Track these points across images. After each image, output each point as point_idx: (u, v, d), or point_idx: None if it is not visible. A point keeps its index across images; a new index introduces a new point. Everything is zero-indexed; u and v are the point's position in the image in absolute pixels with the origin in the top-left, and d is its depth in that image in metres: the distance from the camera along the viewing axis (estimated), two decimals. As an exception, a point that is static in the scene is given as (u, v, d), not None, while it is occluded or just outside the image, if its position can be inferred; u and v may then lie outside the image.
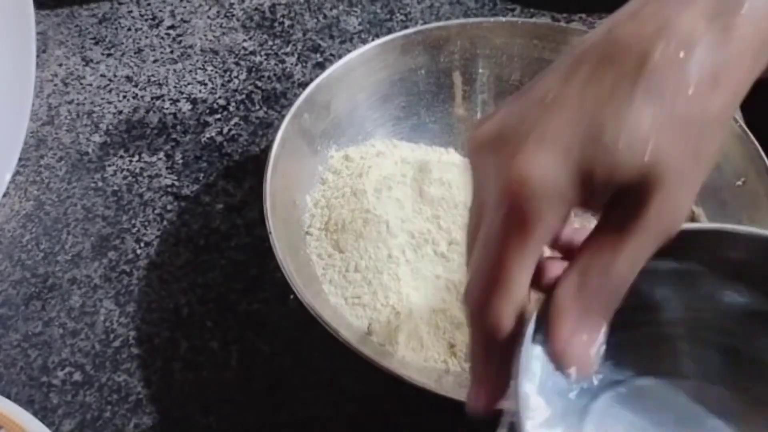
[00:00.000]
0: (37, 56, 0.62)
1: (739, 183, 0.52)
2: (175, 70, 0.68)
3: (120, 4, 0.74)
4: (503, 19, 0.65)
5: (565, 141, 0.27)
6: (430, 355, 0.48)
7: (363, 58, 0.58)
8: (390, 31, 0.70)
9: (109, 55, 0.70)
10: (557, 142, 0.27)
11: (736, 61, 0.28)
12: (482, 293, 0.28)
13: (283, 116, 0.54)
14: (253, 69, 0.69)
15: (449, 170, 0.56)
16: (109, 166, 0.62)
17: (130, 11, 0.73)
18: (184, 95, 0.67)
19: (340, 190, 0.56)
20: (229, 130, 0.64)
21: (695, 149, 0.27)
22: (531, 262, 0.28)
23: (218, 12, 0.73)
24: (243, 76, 0.68)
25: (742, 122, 0.53)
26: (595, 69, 0.27)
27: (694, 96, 0.27)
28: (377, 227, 0.52)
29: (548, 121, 0.27)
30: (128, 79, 0.68)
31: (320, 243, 0.53)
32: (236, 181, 0.60)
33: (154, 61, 0.69)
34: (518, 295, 0.28)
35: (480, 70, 0.61)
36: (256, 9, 0.74)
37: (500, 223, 0.27)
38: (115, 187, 0.60)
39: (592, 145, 0.26)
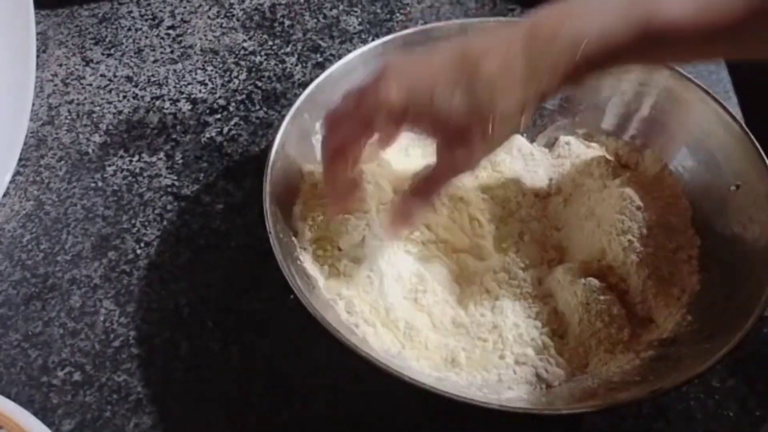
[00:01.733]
0: (37, 56, 0.62)
1: (733, 188, 0.52)
2: (175, 70, 0.68)
3: (120, 4, 0.74)
4: (503, 19, 0.65)
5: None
6: (429, 355, 0.48)
7: (363, 58, 0.58)
8: (390, 31, 0.70)
9: (109, 55, 0.70)
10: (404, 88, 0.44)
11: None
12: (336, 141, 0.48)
13: (283, 116, 0.54)
14: (253, 69, 0.69)
15: None
16: (109, 166, 0.62)
17: (130, 11, 0.73)
18: (184, 95, 0.67)
19: None
20: (229, 130, 0.64)
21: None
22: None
23: (218, 12, 0.73)
24: (243, 76, 0.68)
25: (742, 123, 0.53)
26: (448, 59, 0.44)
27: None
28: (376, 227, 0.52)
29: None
30: (128, 79, 0.68)
31: (319, 243, 0.53)
32: (236, 181, 0.60)
33: (154, 61, 0.69)
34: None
35: None
36: (256, 9, 0.74)
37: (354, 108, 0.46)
38: (115, 187, 0.60)
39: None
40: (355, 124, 0.46)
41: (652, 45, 0.43)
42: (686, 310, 0.49)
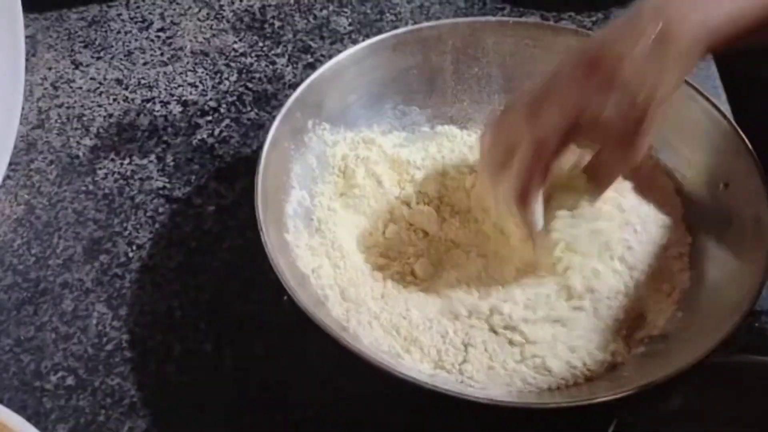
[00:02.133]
0: (27, 60, 0.62)
1: (722, 186, 0.52)
2: (165, 73, 0.68)
3: (109, 6, 0.73)
4: (494, 18, 0.65)
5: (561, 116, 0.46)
6: (421, 356, 0.48)
7: (354, 58, 0.58)
8: (380, 31, 0.70)
9: (98, 58, 0.69)
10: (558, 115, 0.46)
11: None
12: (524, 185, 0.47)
13: (274, 117, 0.54)
14: (244, 70, 0.68)
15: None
16: (100, 169, 0.61)
17: (120, 14, 0.73)
18: (175, 97, 0.66)
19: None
20: (221, 131, 0.64)
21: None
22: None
23: (208, 14, 0.73)
24: (233, 78, 0.68)
25: (731, 119, 0.54)
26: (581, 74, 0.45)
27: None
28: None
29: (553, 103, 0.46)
30: (118, 81, 0.68)
31: (311, 242, 0.53)
32: (228, 182, 0.60)
33: (144, 64, 0.69)
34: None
35: (474, 69, 0.61)
36: (246, 10, 0.74)
37: (531, 154, 0.46)
38: (107, 191, 0.60)
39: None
40: (532, 167, 0.46)
41: None
42: (677, 307, 0.49)
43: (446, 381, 0.47)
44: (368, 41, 0.59)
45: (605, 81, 0.43)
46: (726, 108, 0.61)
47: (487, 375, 0.47)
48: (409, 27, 0.61)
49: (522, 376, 0.47)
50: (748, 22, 0.43)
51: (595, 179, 0.49)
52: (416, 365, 0.48)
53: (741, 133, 0.52)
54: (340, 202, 0.56)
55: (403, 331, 0.49)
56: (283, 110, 0.54)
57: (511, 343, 0.48)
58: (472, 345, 0.48)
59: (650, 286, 0.50)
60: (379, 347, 0.48)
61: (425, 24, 0.62)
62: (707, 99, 0.54)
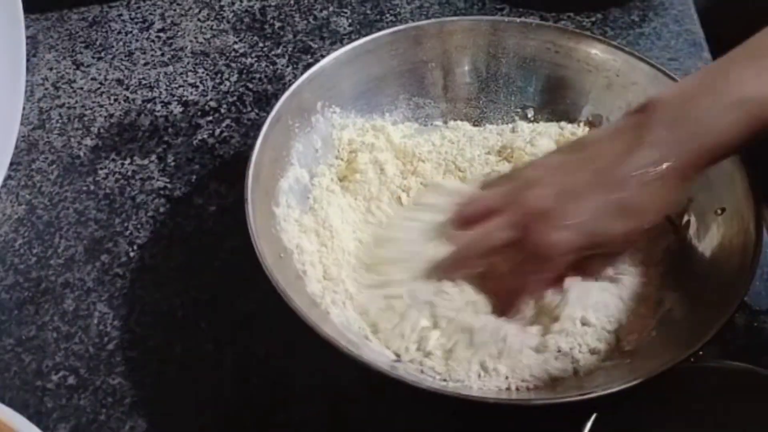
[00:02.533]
0: (27, 60, 0.62)
1: (718, 211, 0.52)
2: (166, 73, 0.68)
3: (110, 7, 0.74)
4: (517, 19, 0.65)
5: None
6: (386, 341, 0.49)
7: (373, 45, 0.58)
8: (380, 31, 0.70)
9: (99, 58, 0.70)
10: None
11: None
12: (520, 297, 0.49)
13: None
14: (244, 71, 0.69)
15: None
16: (101, 169, 0.62)
17: (120, 14, 0.73)
18: (176, 98, 0.67)
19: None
20: (221, 132, 0.64)
21: None
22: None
23: (208, 14, 0.73)
24: (234, 78, 0.68)
25: None
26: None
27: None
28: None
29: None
30: (119, 82, 0.68)
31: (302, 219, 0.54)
32: (228, 182, 0.61)
33: (145, 64, 0.69)
34: None
35: (493, 68, 0.61)
36: (246, 11, 0.74)
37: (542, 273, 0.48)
38: (108, 190, 0.60)
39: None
40: (541, 285, 0.48)
41: (763, 135, 0.45)
42: (653, 327, 0.49)
43: (406, 368, 0.47)
44: (390, 30, 0.60)
45: (611, 203, 0.45)
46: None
47: (448, 367, 0.47)
48: (432, 20, 0.62)
49: (479, 369, 0.47)
50: (735, 143, 0.45)
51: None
52: (382, 350, 0.48)
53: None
54: (340, 184, 0.56)
55: (372, 314, 0.49)
56: (292, 87, 0.55)
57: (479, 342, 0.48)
58: (442, 340, 0.48)
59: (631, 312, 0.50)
60: (349, 327, 0.48)
61: (447, 18, 0.62)
62: None
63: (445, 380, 0.47)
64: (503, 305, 0.48)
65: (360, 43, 0.59)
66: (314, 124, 0.57)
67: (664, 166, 0.45)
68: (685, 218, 0.53)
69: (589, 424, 0.41)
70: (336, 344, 0.43)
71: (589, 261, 0.48)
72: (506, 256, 0.48)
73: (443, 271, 0.49)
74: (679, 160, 0.45)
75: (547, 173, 0.48)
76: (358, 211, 0.56)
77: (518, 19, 0.64)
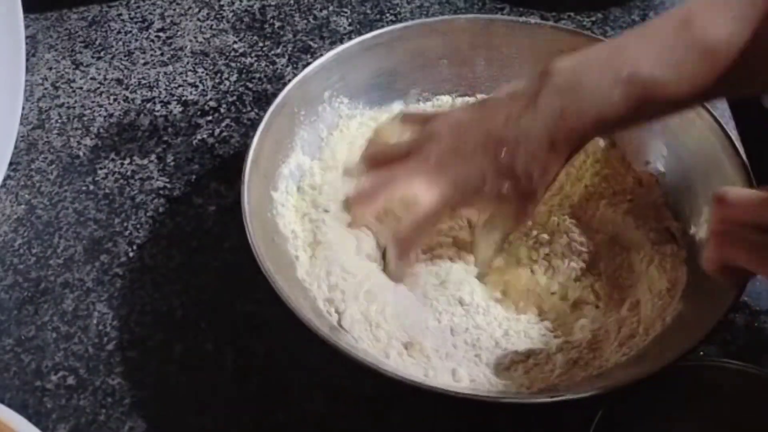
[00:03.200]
0: (27, 60, 0.62)
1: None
2: (165, 73, 0.68)
3: (109, 7, 0.73)
4: (532, 20, 0.65)
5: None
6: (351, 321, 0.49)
7: (386, 38, 0.59)
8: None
9: (99, 58, 0.70)
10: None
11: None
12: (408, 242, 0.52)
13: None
14: (244, 70, 0.69)
15: None
16: (101, 169, 0.61)
17: (120, 14, 0.73)
18: (175, 97, 0.67)
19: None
20: (221, 131, 0.64)
21: None
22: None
23: (208, 14, 0.73)
24: (234, 78, 0.68)
25: (733, 137, 0.53)
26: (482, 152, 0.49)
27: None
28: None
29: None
30: (119, 81, 0.68)
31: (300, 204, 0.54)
32: (228, 182, 0.60)
33: (145, 64, 0.69)
34: None
35: (506, 67, 0.61)
36: (246, 11, 0.74)
37: (423, 218, 0.51)
38: (107, 190, 0.60)
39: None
40: (422, 229, 0.51)
41: (646, 114, 0.48)
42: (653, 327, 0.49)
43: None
44: (403, 24, 0.60)
45: (504, 168, 0.48)
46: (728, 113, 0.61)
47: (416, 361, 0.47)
48: (446, 17, 0.62)
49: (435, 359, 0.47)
50: (616, 118, 0.47)
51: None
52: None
53: (740, 150, 0.52)
54: (343, 172, 0.56)
55: (338, 294, 0.49)
56: (299, 77, 0.55)
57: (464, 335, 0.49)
58: (420, 328, 0.48)
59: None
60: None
61: (462, 16, 0.63)
62: (710, 112, 0.54)
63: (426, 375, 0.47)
64: (399, 252, 0.51)
65: (373, 35, 0.59)
66: (320, 113, 0.58)
67: (544, 133, 0.47)
68: (692, 229, 0.53)
69: (594, 422, 0.41)
70: (331, 341, 0.44)
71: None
72: (399, 204, 0.51)
73: (352, 215, 0.52)
74: (556, 130, 0.47)
75: (447, 130, 0.50)
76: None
77: (533, 20, 0.64)
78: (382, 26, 0.72)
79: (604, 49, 0.49)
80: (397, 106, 0.60)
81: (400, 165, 0.51)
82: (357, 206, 0.52)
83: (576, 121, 0.47)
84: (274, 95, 0.66)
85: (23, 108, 0.63)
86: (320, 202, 0.54)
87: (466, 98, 0.61)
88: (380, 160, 0.53)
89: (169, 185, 0.60)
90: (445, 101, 0.61)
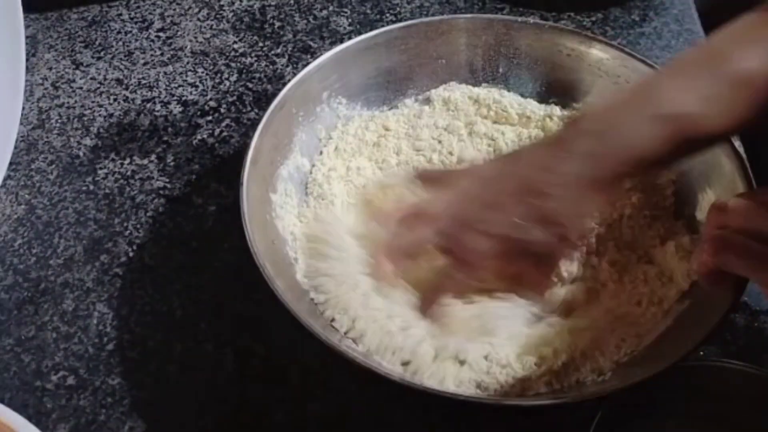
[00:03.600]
0: (27, 60, 0.62)
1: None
2: (165, 73, 0.68)
3: (109, 7, 0.73)
4: (531, 20, 0.65)
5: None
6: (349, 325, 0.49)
7: (384, 38, 0.59)
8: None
9: (99, 58, 0.70)
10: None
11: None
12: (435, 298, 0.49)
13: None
14: (244, 70, 0.69)
15: None
16: (101, 169, 0.61)
17: (120, 14, 0.73)
18: (175, 97, 0.67)
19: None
20: (221, 131, 0.64)
21: None
22: None
23: (208, 14, 0.73)
24: (234, 78, 0.68)
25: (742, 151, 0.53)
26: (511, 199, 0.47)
27: None
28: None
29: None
30: (119, 82, 0.68)
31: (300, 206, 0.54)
32: (228, 182, 0.60)
33: (145, 64, 0.69)
34: None
35: (505, 68, 0.61)
36: (246, 11, 0.74)
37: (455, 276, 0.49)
38: (107, 190, 0.60)
39: None
40: (454, 288, 0.49)
41: (685, 151, 0.46)
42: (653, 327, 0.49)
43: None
44: (401, 24, 0.60)
45: (544, 216, 0.46)
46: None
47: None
48: (444, 17, 0.62)
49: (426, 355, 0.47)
50: (655, 156, 0.45)
51: (528, 287, 0.50)
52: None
53: (742, 156, 0.52)
54: (342, 172, 0.57)
55: (327, 295, 0.49)
56: (297, 77, 0.55)
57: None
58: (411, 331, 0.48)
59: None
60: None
61: (461, 15, 0.63)
62: None
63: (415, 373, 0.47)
64: (423, 303, 0.49)
65: (371, 35, 0.59)
66: (318, 114, 0.58)
67: (582, 177, 0.46)
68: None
69: (594, 424, 0.41)
70: (330, 343, 0.44)
71: (527, 272, 0.49)
72: (430, 257, 0.49)
73: (374, 271, 0.50)
74: (593, 173, 0.46)
75: (480, 185, 0.49)
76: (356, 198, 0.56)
77: (531, 20, 0.64)
78: (382, 26, 0.71)
79: (634, 91, 0.48)
80: (395, 110, 0.60)
81: (433, 224, 0.49)
82: (386, 261, 0.50)
83: (613, 163, 0.46)
84: (274, 95, 0.66)
85: (23, 108, 0.63)
86: (324, 204, 0.54)
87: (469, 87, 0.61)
88: (411, 215, 0.51)
89: (169, 185, 0.60)
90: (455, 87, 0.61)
